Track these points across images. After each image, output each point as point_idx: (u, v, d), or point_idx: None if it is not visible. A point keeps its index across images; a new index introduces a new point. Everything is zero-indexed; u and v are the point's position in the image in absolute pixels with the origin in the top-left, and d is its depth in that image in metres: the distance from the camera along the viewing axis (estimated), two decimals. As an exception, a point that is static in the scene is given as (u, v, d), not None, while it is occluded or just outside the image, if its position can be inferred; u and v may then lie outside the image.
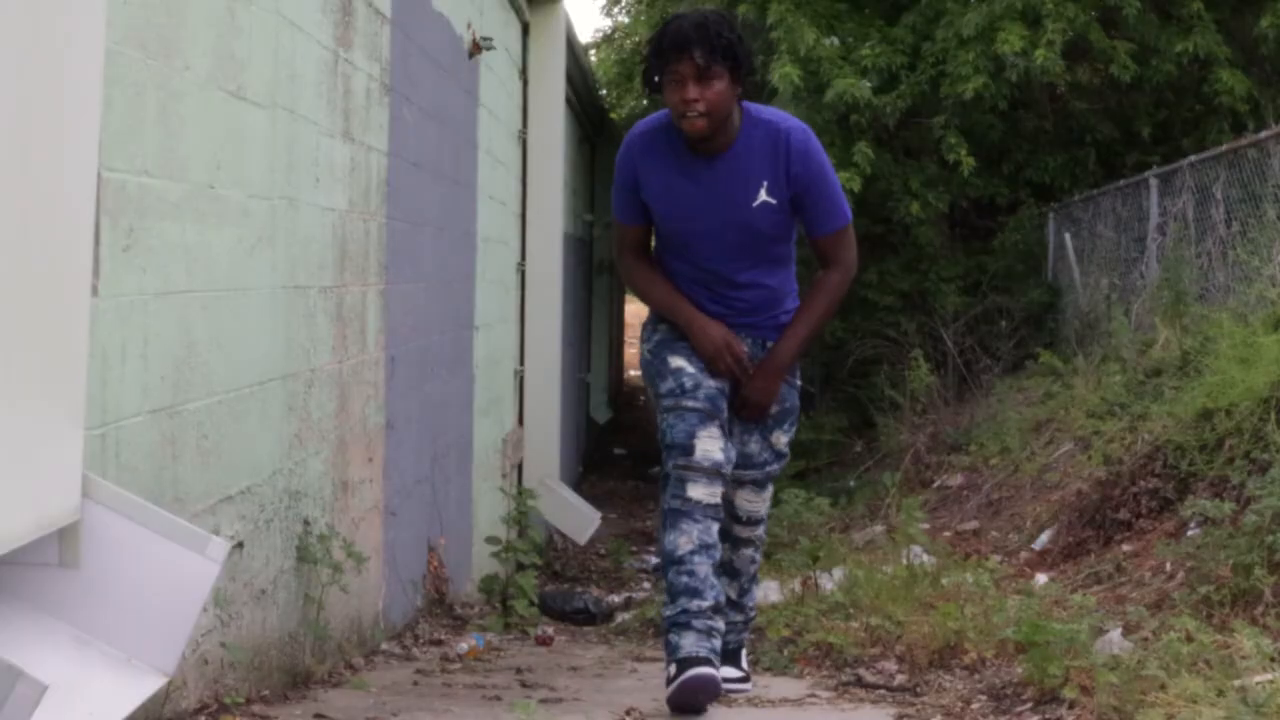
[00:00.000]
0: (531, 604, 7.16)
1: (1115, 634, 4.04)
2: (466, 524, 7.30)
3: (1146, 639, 3.90)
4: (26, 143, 1.97)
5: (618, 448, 16.58)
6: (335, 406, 4.55)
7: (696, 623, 3.61)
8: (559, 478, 9.74)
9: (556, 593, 8.14)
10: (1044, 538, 6.41)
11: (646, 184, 3.80)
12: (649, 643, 5.86)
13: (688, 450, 3.66)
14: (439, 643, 5.59)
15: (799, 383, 4.06)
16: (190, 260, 3.17)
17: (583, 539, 9.56)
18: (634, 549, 10.32)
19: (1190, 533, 4.98)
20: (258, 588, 3.75)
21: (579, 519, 9.48)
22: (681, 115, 3.63)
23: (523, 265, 9.31)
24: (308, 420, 4.22)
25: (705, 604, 3.62)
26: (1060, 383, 9.12)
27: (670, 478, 3.70)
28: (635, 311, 31.51)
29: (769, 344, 3.91)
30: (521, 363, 9.30)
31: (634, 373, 26.15)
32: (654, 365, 3.85)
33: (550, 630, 6.57)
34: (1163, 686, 3.27)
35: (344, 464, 4.68)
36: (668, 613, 3.69)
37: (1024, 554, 6.34)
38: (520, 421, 9.31)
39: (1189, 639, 3.57)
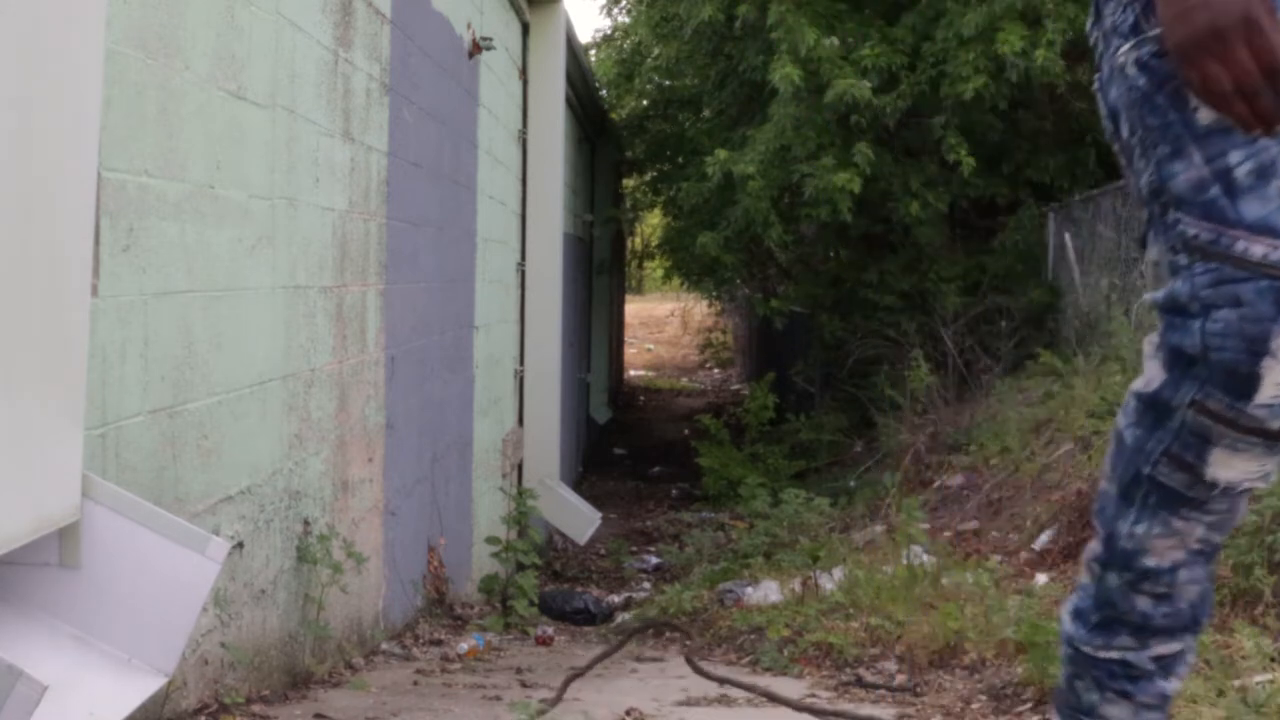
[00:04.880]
0: (531, 604, 7.17)
1: (1115, 634, 4.03)
2: (466, 524, 7.30)
3: (1146, 639, 3.90)
4: (27, 143, 1.97)
5: (618, 448, 16.58)
6: (335, 406, 4.55)
7: (1149, 690, 1.91)
8: (559, 478, 9.74)
9: (556, 593, 8.14)
10: (1044, 538, 6.40)
11: None
12: (649, 643, 5.86)
13: (1244, 376, 1.63)
14: (439, 643, 5.59)
15: None
16: (190, 260, 3.17)
17: (583, 539, 9.57)
18: (634, 549, 10.33)
19: (1190, 533, 4.98)
20: (258, 588, 3.75)
21: (579, 519, 9.49)
22: None
23: (523, 265, 9.32)
24: (308, 420, 4.22)
25: (1175, 646, 1.88)
26: (1060, 383, 9.11)
27: (1176, 420, 1.72)
28: (635, 311, 31.27)
29: None
30: (521, 363, 9.31)
31: (634, 372, 26.11)
32: (1158, 115, 1.76)
33: (550, 630, 6.57)
34: (1163, 686, 3.26)
35: (344, 464, 4.68)
36: (1100, 651, 1.94)
37: (1024, 554, 6.34)
38: (520, 421, 9.31)
39: (1189, 639, 3.56)
